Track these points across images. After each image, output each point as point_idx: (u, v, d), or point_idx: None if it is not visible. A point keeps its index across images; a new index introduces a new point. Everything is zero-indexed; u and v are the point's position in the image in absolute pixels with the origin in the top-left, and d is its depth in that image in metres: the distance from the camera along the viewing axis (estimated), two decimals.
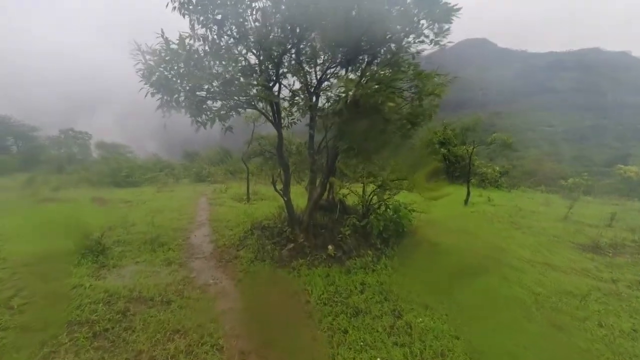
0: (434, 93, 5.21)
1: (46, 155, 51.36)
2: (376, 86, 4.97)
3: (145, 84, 5.19)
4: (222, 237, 7.79)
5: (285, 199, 6.89)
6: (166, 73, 5.06)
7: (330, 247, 6.69)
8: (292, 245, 6.80)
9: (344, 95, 5.17)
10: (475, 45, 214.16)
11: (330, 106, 6.20)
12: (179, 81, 5.15)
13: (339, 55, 6.08)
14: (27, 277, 5.26)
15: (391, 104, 5.11)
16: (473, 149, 16.17)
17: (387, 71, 5.39)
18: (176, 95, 5.33)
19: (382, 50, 5.76)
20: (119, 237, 7.44)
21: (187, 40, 5.18)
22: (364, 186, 8.02)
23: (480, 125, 29.26)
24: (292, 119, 7.51)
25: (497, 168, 24.07)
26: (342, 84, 5.27)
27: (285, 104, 7.04)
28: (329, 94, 6.59)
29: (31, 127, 60.57)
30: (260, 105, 6.58)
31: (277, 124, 6.44)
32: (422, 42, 5.32)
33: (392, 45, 5.52)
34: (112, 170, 22.32)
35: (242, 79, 5.29)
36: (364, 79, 5.32)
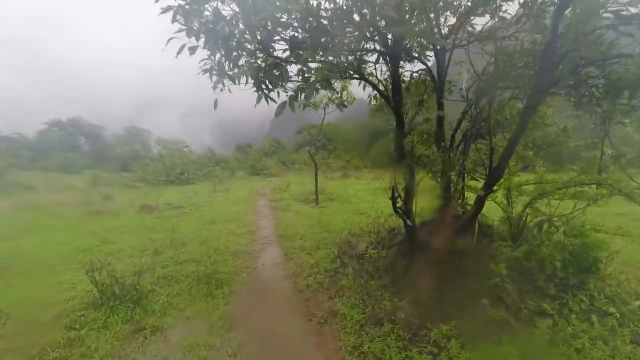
0: None
1: (112, 152, 54.34)
2: None
3: (188, 36, 2.89)
4: (301, 270, 5.46)
5: (410, 223, 4.31)
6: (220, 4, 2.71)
7: (485, 301, 4.05)
8: (413, 295, 4.27)
9: None
10: None
11: None
12: (240, 22, 2.76)
13: None
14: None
15: None
16: None
17: None
18: (236, 53, 2.97)
19: None
20: (164, 270, 5.43)
21: None
22: (509, 192, 5.22)
23: None
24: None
25: None
26: None
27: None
28: None
29: (98, 126, 64.68)
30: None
31: (397, 104, 3.82)
32: None
33: None
34: (166, 169, 21.42)
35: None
36: None
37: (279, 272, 5.46)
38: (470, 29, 4.02)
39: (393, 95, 3.79)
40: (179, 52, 2.83)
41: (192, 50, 2.81)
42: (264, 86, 3.44)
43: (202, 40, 2.94)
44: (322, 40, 2.90)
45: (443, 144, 4.31)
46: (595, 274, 4.44)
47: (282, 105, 2.97)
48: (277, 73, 3.11)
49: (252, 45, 2.95)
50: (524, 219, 4.95)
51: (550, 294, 4.25)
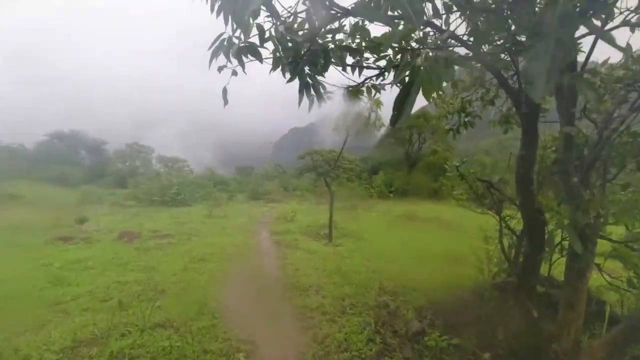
0: None
1: (112, 168, 53.01)
2: None
3: None
4: (325, 353, 3.68)
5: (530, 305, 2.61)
6: None
7: None
8: None
9: None
10: None
11: None
12: None
13: None
14: None
15: None
16: None
17: None
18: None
19: None
20: (122, 343, 3.64)
21: None
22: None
23: None
24: None
25: None
26: None
27: None
28: None
29: (101, 141, 63.81)
30: None
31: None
32: None
33: None
34: (162, 188, 19.79)
35: None
36: None
37: (293, 356, 3.68)
38: None
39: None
40: None
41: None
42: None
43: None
44: None
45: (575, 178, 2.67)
46: None
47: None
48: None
49: None
50: None
51: None
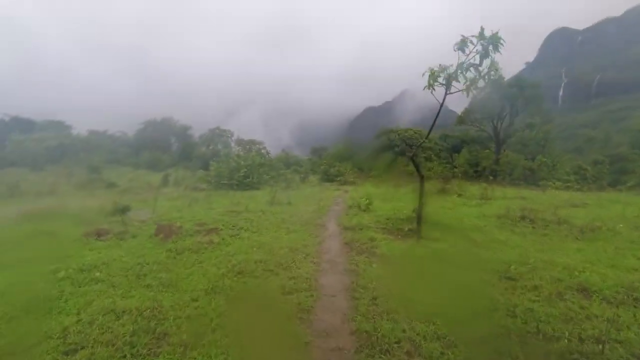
0: None
1: (198, 151, 56.39)
2: None
3: None
4: None
5: None
6: None
7: None
8: None
9: None
10: None
11: None
12: None
13: None
14: None
15: None
16: None
17: None
18: None
19: None
20: None
21: None
22: None
23: None
24: None
25: None
26: None
27: None
28: None
29: (186, 126, 68.38)
30: None
31: None
32: None
33: None
34: (230, 171, 18.92)
35: None
36: None
37: None
38: None
39: None
40: None
41: None
42: None
43: None
44: None
45: None
46: None
47: None
48: None
49: None
50: None
51: None
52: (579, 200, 11.71)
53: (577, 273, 4.73)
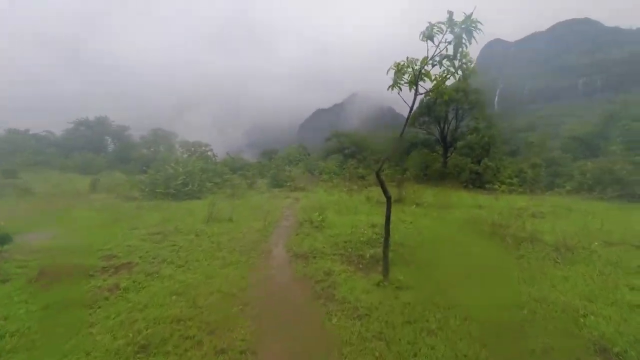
0: None
1: (136, 154, 51.43)
2: None
3: None
4: None
5: None
6: None
7: None
8: None
9: None
10: (575, 26, 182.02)
11: None
12: None
13: None
14: None
15: None
16: None
17: None
18: None
19: None
20: None
21: None
22: None
23: None
24: None
25: None
26: None
27: None
28: None
29: (124, 127, 62.57)
30: None
31: None
32: None
33: None
34: (166, 179, 16.69)
35: None
36: None
37: None
38: None
39: None
40: None
41: None
42: None
43: None
44: None
45: None
46: None
47: None
48: None
49: None
50: None
51: None
52: (535, 208, 11.56)
53: (581, 320, 3.89)
